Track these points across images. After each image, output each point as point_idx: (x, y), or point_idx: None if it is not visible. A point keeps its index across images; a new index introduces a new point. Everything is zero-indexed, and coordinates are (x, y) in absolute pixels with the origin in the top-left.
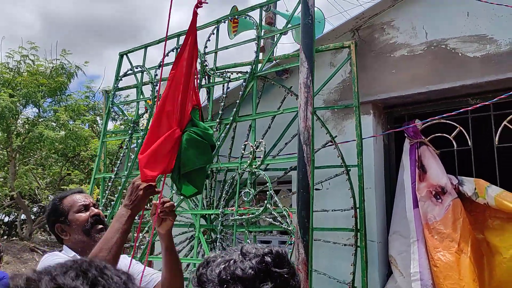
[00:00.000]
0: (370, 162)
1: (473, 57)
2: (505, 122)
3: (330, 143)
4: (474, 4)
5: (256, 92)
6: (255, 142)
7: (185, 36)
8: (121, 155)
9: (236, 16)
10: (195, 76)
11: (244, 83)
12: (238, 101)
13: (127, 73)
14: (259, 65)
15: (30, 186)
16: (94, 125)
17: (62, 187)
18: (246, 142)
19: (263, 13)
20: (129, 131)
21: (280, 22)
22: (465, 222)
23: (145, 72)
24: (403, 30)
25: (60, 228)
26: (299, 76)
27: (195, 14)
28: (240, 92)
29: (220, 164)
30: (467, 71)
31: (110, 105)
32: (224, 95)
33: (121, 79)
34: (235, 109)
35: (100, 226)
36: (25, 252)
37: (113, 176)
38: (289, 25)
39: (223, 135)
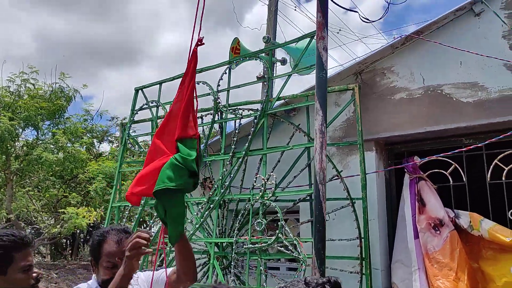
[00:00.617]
0: (373, 195)
1: (466, 102)
2: (496, 161)
3: (336, 177)
4: (466, 54)
5: (266, 128)
6: (266, 175)
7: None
8: None
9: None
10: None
11: (255, 120)
12: (249, 137)
13: (143, 107)
14: (269, 103)
15: (28, 208)
16: (91, 147)
17: (58, 210)
18: (257, 175)
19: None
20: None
21: (280, 53)
22: (461, 252)
23: (160, 107)
24: (402, 75)
25: (93, 263)
26: (311, 120)
27: (194, 53)
28: (252, 128)
29: (233, 195)
30: (461, 115)
31: (127, 137)
32: (236, 131)
33: (137, 113)
34: (247, 144)
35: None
36: None
37: (130, 205)
38: (297, 66)
39: (235, 168)
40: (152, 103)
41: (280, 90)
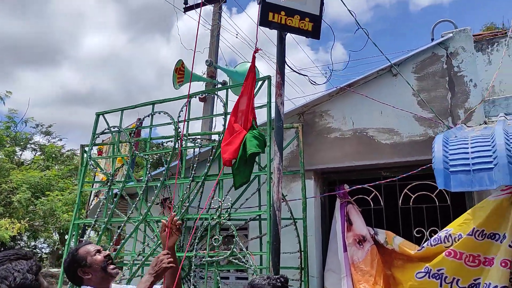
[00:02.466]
0: (312, 215)
1: (385, 144)
2: (405, 190)
3: (282, 200)
4: (386, 106)
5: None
6: (223, 198)
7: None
8: (94, 202)
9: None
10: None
11: (213, 150)
12: (208, 164)
13: (105, 131)
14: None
15: None
16: (13, 156)
17: None
18: (214, 198)
19: (206, 67)
20: (108, 184)
21: (221, 75)
22: (379, 262)
23: (121, 132)
24: (336, 118)
25: (82, 271)
26: (272, 161)
27: (253, 58)
28: (210, 157)
29: (193, 215)
30: (381, 153)
31: (89, 159)
32: (196, 158)
33: (98, 137)
34: (205, 171)
35: (113, 266)
36: None
37: (93, 222)
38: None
39: (195, 191)
40: (113, 128)
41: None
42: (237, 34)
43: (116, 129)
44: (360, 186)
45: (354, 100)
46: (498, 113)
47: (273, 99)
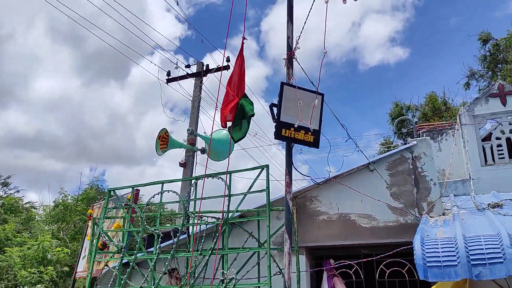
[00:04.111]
0: (304, 285)
1: (364, 227)
2: (381, 266)
3: (278, 273)
4: (365, 196)
5: (227, 234)
6: (227, 270)
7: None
8: (84, 260)
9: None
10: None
11: (218, 227)
12: (214, 240)
13: (116, 206)
14: (229, 214)
15: None
16: None
17: None
18: (221, 270)
19: (187, 135)
20: (121, 255)
21: (200, 142)
22: None
23: (131, 208)
24: (324, 203)
25: None
26: (261, 229)
27: (242, 44)
28: (216, 233)
29: (201, 285)
30: (362, 235)
31: (101, 231)
32: (204, 234)
33: (110, 210)
34: (212, 246)
35: None
36: None
37: None
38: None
39: (202, 263)
40: (124, 203)
41: (238, 204)
42: (216, 107)
43: (117, 201)
44: (345, 263)
45: (339, 189)
46: (449, 194)
47: (271, 185)
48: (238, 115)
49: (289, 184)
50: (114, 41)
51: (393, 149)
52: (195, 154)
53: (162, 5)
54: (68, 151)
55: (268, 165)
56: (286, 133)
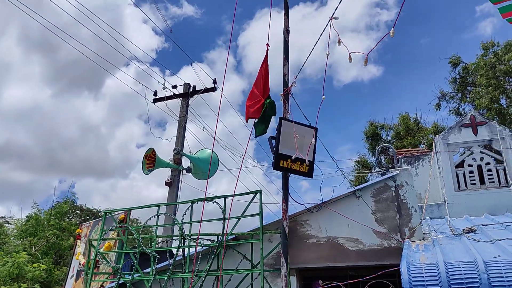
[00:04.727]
0: None
1: (351, 250)
2: (366, 287)
3: None
4: (351, 221)
5: (221, 255)
6: None
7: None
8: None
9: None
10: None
11: (214, 250)
12: (210, 262)
13: (112, 228)
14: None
15: None
16: None
17: None
18: None
19: (172, 154)
20: (118, 276)
21: (186, 161)
22: None
23: (128, 230)
24: (314, 227)
25: None
26: (254, 252)
27: (267, 51)
28: (212, 256)
29: None
30: (349, 257)
31: (97, 253)
32: (199, 256)
33: (106, 232)
34: (207, 267)
35: None
36: None
37: None
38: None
39: (198, 284)
40: (120, 226)
41: (233, 227)
42: (203, 128)
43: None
44: (333, 284)
45: (328, 214)
46: (425, 217)
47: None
48: (262, 115)
49: (285, 211)
50: (89, 51)
51: (374, 173)
52: (181, 173)
53: (139, 17)
54: (37, 162)
55: (261, 190)
56: (283, 164)
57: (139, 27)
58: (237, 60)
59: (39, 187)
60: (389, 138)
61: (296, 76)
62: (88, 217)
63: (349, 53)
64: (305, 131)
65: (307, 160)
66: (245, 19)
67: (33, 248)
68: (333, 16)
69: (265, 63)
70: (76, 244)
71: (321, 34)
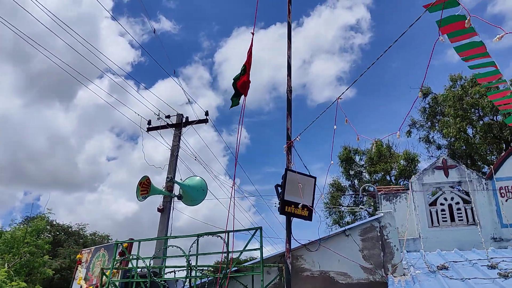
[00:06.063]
0: None
1: (341, 283)
2: None
3: None
4: (342, 257)
5: (225, 286)
6: None
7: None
8: None
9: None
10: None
11: (219, 281)
12: None
13: (124, 258)
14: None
15: None
16: None
17: None
18: None
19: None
20: None
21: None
22: None
23: (139, 260)
24: (308, 262)
25: None
26: (255, 283)
27: (251, 41)
28: (217, 287)
29: None
30: None
31: (110, 282)
32: (205, 286)
33: (117, 262)
34: None
35: None
36: None
37: None
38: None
39: None
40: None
41: (236, 258)
42: (195, 157)
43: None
44: None
45: (321, 250)
46: (403, 250)
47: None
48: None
49: (288, 250)
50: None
51: (358, 209)
52: (173, 200)
53: (115, 29)
54: (2, 173)
55: (261, 227)
56: (288, 209)
57: (115, 40)
58: (212, 76)
59: (2, 199)
60: (362, 162)
61: (300, 134)
62: (58, 233)
63: (357, 136)
64: (306, 179)
65: (308, 205)
66: (222, 36)
67: (6, 265)
68: (339, 97)
69: (250, 51)
70: (77, 269)
71: (328, 107)
